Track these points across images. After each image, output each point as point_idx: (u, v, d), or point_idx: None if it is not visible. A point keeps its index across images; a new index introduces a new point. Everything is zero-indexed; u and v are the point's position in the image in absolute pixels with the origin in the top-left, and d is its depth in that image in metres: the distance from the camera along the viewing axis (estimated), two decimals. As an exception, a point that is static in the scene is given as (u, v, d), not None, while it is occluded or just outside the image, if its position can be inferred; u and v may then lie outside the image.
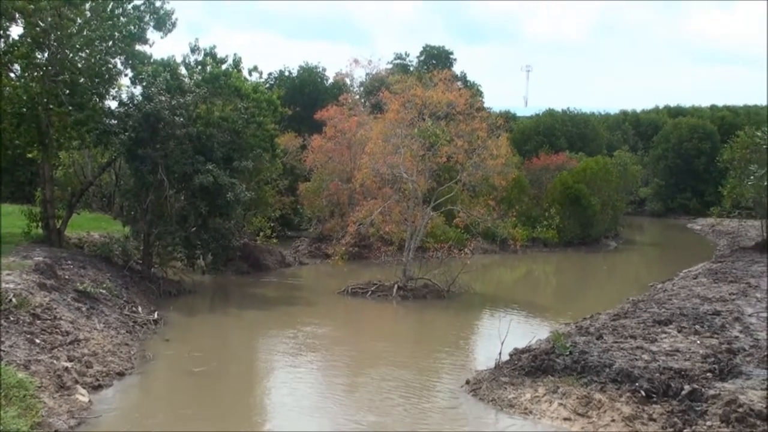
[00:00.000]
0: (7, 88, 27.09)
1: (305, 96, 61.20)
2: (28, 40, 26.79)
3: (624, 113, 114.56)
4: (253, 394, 19.64)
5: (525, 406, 16.89)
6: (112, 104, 30.19)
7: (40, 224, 28.88)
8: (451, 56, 77.16)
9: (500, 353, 19.68)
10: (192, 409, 17.16)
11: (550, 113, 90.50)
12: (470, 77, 75.51)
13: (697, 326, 21.81)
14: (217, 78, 32.02)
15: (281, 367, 21.82)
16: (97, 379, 17.63)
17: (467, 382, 19.08)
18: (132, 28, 28.60)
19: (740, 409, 14.75)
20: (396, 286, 32.00)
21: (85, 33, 27.53)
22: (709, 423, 14.80)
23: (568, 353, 18.76)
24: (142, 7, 28.95)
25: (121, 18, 28.43)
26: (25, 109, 27.26)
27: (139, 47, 29.49)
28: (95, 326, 21.06)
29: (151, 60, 30.76)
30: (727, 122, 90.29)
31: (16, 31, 27.34)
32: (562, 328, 23.76)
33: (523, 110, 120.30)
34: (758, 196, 46.82)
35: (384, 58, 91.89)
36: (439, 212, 35.96)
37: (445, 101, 33.31)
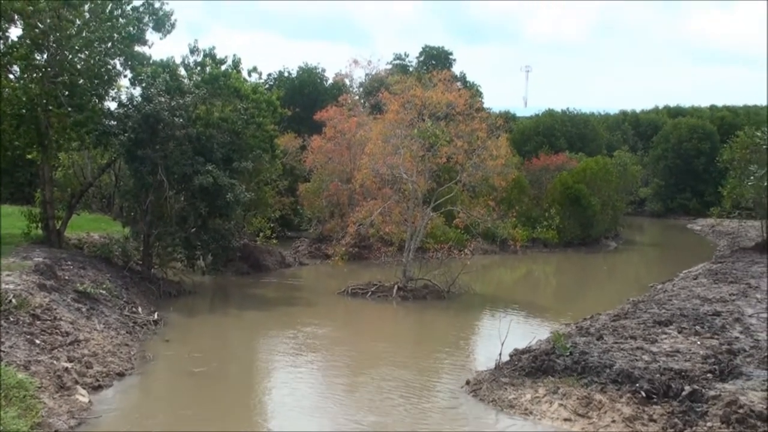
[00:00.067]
0: (7, 90, 27.07)
1: (305, 97, 61.21)
2: (27, 41, 26.79)
3: (624, 113, 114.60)
4: (254, 394, 19.63)
5: (525, 407, 16.88)
6: (112, 105, 30.24)
7: (39, 225, 28.87)
8: (451, 57, 77.21)
9: (500, 354, 19.68)
10: (192, 410, 17.15)
11: (550, 113, 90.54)
12: (470, 78, 75.71)
13: (697, 327, 21.80)
14: (217, 79, 31.99)
15: (281, 368, 21.81)
16: (97, 380, 17.62)
17: (467, 383, 19.07)
18: (131, 29, 28.60)
19: (741, 410, 14.74)
20: (396, 286, 31.99)
21: (84, 34, 27.53)
22: (709, 424, 14.79)
23: (568, 354, 18.75)
24: (141, 8, 28.95)
25: (120, 19, 28.43)
26: (24, 111, 27.26)
27: (138, 48, 29.49)
28: (95, 327, 21.05)
29: (151, 61, 30.75)
30: (727, 122, 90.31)
31: (15, 32, 27.37)
32: (562, 329, 23.75)
33: (522, 111, 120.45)
34: (758, 196, 46.84)
35: (383, 59, 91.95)
36: (439, 213, 35.95)
37: (445, 102, 33.31)
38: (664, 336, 20.89)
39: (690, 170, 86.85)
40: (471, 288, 33.58)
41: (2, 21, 26.33)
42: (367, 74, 68.30)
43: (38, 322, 18.73)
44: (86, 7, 27.69)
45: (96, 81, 28.60)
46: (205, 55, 33.58)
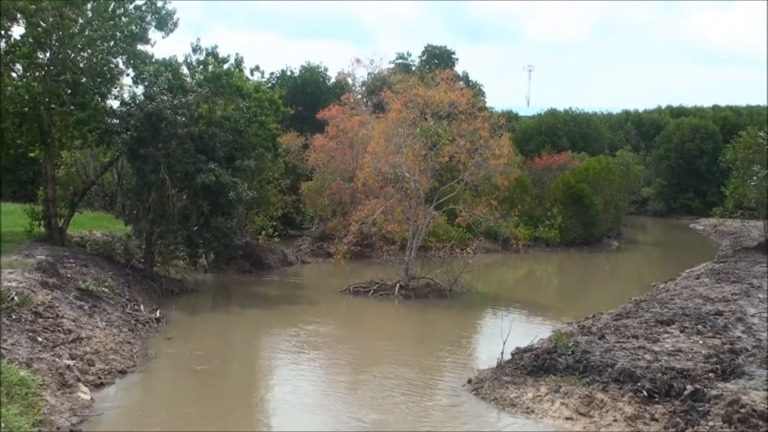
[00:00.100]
0: (9, 88, 27.12)
1: (307, 95, 61.25)
2: (30, 40, 26.83)
3: (626, 113, 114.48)
4: (255, 392, 19.64)
5: (527, 406, 16.88)
6: (114, 104, 30.27)
7: (42, 223, 28.92)
8: (453, 56, 77.31)
9: (502, 352, 19.68)
10: (194, 408, 17.16)
11: (553, 113, 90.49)
12: (472, 77, 75.79)
13: (699, 326, 21.78)
14: (219, 77, 32.02)
15: (283, 366, 21.82)
16: (99, 377, 17.65)
17: (469, 381, 19.07)
18: (134, 27, 28.64)
19: (743, 410, 14.71)
20: (398, 285, 31.99)
21: (86, 33, 27.56)
22: (711, 423, 14.77)
23: (570, 353, 18.74)
24: (143, 7, 29.00)
25: (123, 18, 28.48)
26: (27, 109, 27.29)
27: (140, 47, 29.55)
28: (97, 324, 21.07)
29: (153, 60, 30.78)
30: (730, 122, 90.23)
31: (17, 31, 27.47)
32: (564, 328, 23.74)
33: (525, 110, 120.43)
34: (761, 196, 46.79)
35: (386, 58, 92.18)
36: (442, 211, 35.94)
37: (447, 101, 33.32)
38: (666, 335, 20.87)
39: (693, 170, 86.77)
40: (473, 287, 33.57)
41: (5, 19, 26.38)
42: (369, 73, 68.43)
43: (40, 320, 18.76)
44: (89, 5, 27.76)
45: (99, 79, 28.63)
46: (207, 54, 33.62)
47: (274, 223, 41.42)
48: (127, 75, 30.04)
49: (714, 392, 15.71)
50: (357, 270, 37.49)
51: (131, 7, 28.80)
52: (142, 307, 25.42)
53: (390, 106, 35.17)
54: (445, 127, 32.70)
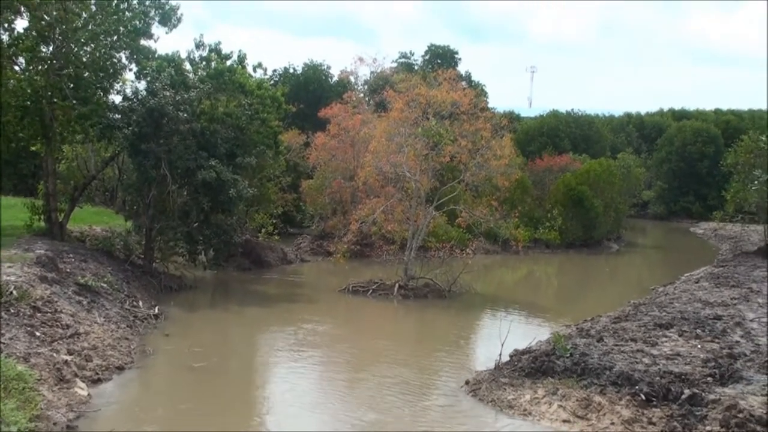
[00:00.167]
0: (12, 81, 27.11)
1: (309, 93, 61.25)
2: (33, 33, 26.81)
3: (628, 115, 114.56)
4: (253, 389, 19.63)
5: (524, 408, 16.86)
6: (116, 99, 30.26)
7: (42, 217, 28.91)
8: (456, 56, 77.25)
9: (500, 354, 19.66)
10: (191, 404, 17.16)
11: (554, 114, 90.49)
12: (475, 77, 75.78)
13: (698, 330, 21.77)
14: (222, 74, 31.96)
15: (282, 364, 21.81)
16: (97, 373, 17.63)
17: (467, 383, 19.06)
18: (137, 22, 28.63)
19: (740, 415, 14.71)
20: (397, 285, 31.98)
21: (90, 27, 27.55)
22: (708, 428, 14.77)
23: (568, 355, 18.73)
24: (147, 2, 28.96)
25: (126, 13, 28.45)
26: (29, 103, 27.27)
27: (143, 42, 29.55)
28: (96, 320, 21.07)
29: (156, 55, 30.75)
30: (732, 126, 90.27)
31: (21, 24, 27.43)
32: (562, 330, 23.73)
33: (527, 111, 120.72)
34: (761, 200, 46.79)
35: (389, 57, 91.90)
36: (442, 212, 35.93)
37: (450, 101, 33.30)
38: (664, 339, 20.86)
39: (693, 173, 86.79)
40: (472, 287, 33.56)
41: (8, 13, 26.36)
42: (372, 72, 68.40)
43: (39, 315, 18.74)
44: (92, 0, 27.71)
45: (101, 74, 28.60)
46: (210, 50, 33.55)
47: (274, 221, 41.41)
48: (130, 70, 30.07)
49: (712, 397, 15.70)
50: (356, 269, 37.50)
51: (135, 2, 28.79)
52: (140, 303, 25.40)
53: (392, 105, 35.13)
54: (447, 127, 32.68)
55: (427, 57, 76.80)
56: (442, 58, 75.05)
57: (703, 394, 15.87)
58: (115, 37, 28.40)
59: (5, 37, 27.04)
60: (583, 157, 67.12)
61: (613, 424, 15.60)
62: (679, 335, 21.27)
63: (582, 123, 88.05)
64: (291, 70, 65.58)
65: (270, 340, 25.02)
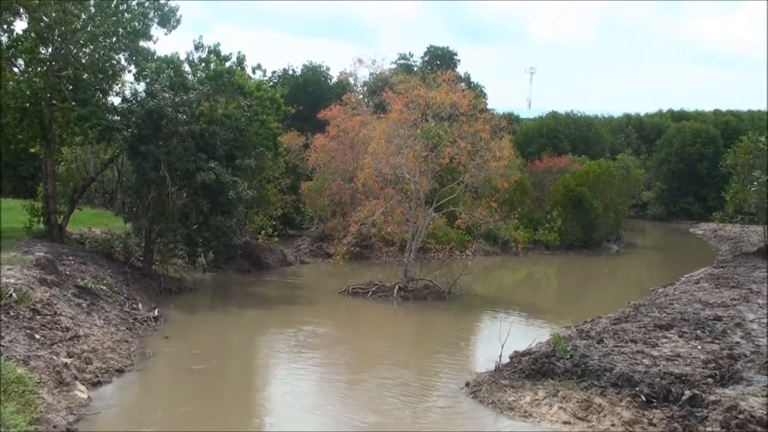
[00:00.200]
0: (11, 83, 27.09)
1: (309, 95, 61.24)
2: (32, 35, 26.81)
3: (627, 116, 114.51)
4: (253, 392, 19.61)
5: (525, 409, 16.85)
6: (116, 100, 30.25)
7: (41, 219, 28.88)
8: (455, 57, 77.26)
9: (500, 355, 19.65)
10: (191, 407, 17.14)
11: (554, 116, 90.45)
12: (474, 78, 75.75)
13: (698, 331, 21.76)
14: (221, 75, 31.96)
15: (281, 366, 21.79)
16: (97, 376, 17.61)
17: (467, 384, 19.03)
18: (136, 24, 28.62)
19: (741, 416, 14.70)
20: (397, 286, 31.95)
21: (89, 29, 27.54)
22: (709, 429, 14.77)
23: (568, 357, 18.72)
24: (146, 4, 28.95)
25: (126, 14, 28.45)
26: (28, 104, 27.25)
27: (143, 44, 29.54)
28: (95, 322, 21.04)
29: (155, 57, 30.75)
30: (731, 127, 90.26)
31: (20, 25, 27.43)
32: (562, 331, 23.73)
33: (526, 112, 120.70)
34: (761, 201, 46.79)
35: (388, 58, 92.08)
36: (441, 213, 35.91)
37: (449, 102, 33.29)
38: (664, 340, 20.85)
39: (693, 174, 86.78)
40: (472, 289, 33.53)
41: (7, 14, 26.35)
42: (371, 73, 68.41)
43: (38, 317, 18.72)
44: (92, 1, 27.77)
45: (100, 76, 28.59)
46: (209, 52, 33.55)
47: (273, 223, 41.39)
48: (129, 72, 30.06)
49: (712, 398, 15.70)
50: (356, 271, 37.47)
51: (134, 3, 28.78)
52: (140, 305, 25.37)
53: (391, 106, 35.14)
54: (446, 129, 32.65)
55: (426, 58, 76.82)
56: (441, 59, 75.06)
57: (704, 395, 15.87)
58: (114, 39, 28.39)
59: (4, 39, 27.07)
60: (583, 159, 67.10)
61: (613, 425, 15.59)
62: (680, 336, 21.26)
63: (581, 124, 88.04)
64: (290, 72, 65.59)
65: (270, 342, 25.00)
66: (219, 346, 23.59)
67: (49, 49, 27.44)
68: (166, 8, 29.29)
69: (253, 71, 37.38)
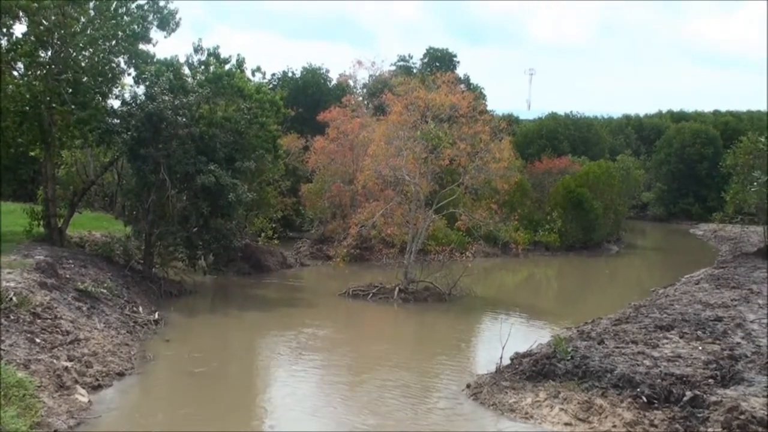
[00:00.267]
0: (10, 87, 27.09)
1: (308, 97, 61.24)
2: (32, 38, 26.81)
3: (627, 117, 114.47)
4: (254, 394, 19.59)
5: (526, 411, 16.83)
6: (115, 103, 30.20)
7: (41, 223, 28.87)
8: (455, 59, 77.25)
9: (501, 357, 19.64)
10: (192, 410, 17.13)
11: (553, 117, 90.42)
12: (473, 80, 75.70)
13: (699, 332, 21.75)
14: (220, 78, 31.97)
15: (282, 368, 21.79)
16: (97, 379, 17.60)
17: (468, 386, 19.02)
18: (135, 27, 28.62)
19: (742, 416, 14.68)
20: (397, 288, 31.94)
21: (88, 32, 27.55)
22: (710, 430, 14.77)
23: (569, 358, 18.71)
24: (145, 7, 28.97)
25: (125, 17, 28.46)
26: (28, 108, 27.26)
27: (142, 46, 29.52)
28: (96, 326, 21.03)
29: (155, 59, 30.73)
30: (731, 127, 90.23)
31: (19, 29, 27.44)
32: (563, 333, 23.71)
33: (526, 113, 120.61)
34: (761, 202, 46.76)
35: (387, 60, 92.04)
36: (441, 215, 35.90)
37: (448, 104, 33.28)
38: (665, 341, 20.84)
39: (693, 175, 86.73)
40: (472, 291, 33.51)
41: (7, 17, 26.36)
42: (370, 75, 68.42)
43: (39, 321, 18.71)
44: (91, 4, 27.75)
45: (100, 79, 28.60)
46: (209, 54, 33.57)
47: (273, 225, 41.40)
48: (129, 75, 30.06)
49: (713, 398, 15.69)
50: (356, 273, 37.45)
51: (133, 6, 28.79)
52: (140, 308, 25.36)
53: (391, 108, 35.12)
54: (446, 130, 32.66)
55: (425, 60, 76.80)
56: (440, 61, 75.06)
57: (705, 395, 15.86)
58: (114, 42, 28.41)
59: (4, 42, 27.09)
60: (582, 160, 67.06)
61: (614, 426, 15.58)
62: (680, 337, 21.25)
63: (581, 125, 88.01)
64: (290, 74, 65.60)
65: (270, 345, 24.98)
66: (219, 348, 23.59)
67: (49, 53, 27.45)
68: (166, 11, 29.30)
69: (253, 74, 37.42)
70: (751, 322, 23.62)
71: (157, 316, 25.24)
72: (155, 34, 29.61)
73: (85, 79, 28.16)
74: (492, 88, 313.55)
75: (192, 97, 29.78)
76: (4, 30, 26.84)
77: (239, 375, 21.10)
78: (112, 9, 28.11)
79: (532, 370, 18.49)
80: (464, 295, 32.87)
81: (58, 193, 29.58)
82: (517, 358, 19.88)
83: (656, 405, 15.92)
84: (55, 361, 16.91)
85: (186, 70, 32.71)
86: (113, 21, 27.94)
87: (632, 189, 68.17)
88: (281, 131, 43.22)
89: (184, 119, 28.90)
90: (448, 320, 29.62)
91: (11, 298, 18.79)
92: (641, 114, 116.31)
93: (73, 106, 27.33)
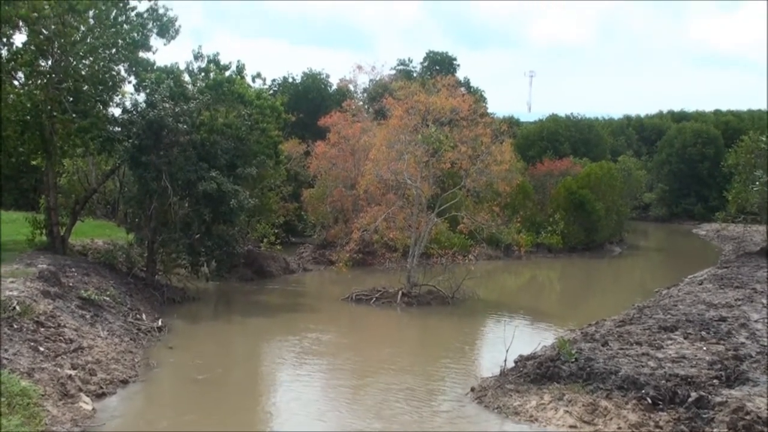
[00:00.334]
0: (11, 96, 27.14)
1: (309, 102, 61.26)
2: (32, 47, 26.85)
3: (628, 118, 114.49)
4: (258, 400, 19.58)
5: (530, 414, 16.81)
6: (116, 111, 30.26)
7: (44, 231, 28.88)
8: (455, 62, 77.21)
9: (505, 360, 19.62)
10: (196, 416, 17.12)
11: (554, 119, 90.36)
12: (474, 83, 75.58)
13: (703, 332, 21.71)
14: (221, 85, 32.00)
15: (286, 374, 21.77)
16: (101, 387, 17.59)
17: (472, 389, 19.00)
18: (135, 35, 28.66)
19: (747, 417, 14.65)
20: (400, 292, 31.93)
21: (88, 40, 27.59)
22: (716, 430, 14.72)
23: (573, 360, 18.68)
24: (145, 15, 28.99)
25: (125, 25, 28.49)
26: (29, 117, 27.29)
27: (142, 54, 29.56)
28: (99, 334, 21.03)
29: (155, 67, 30.76)
30: (731, 127, 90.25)
31: (19, 39, 27.47)
32: (567, 335, 23.65)
33: (526, 116, 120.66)
34: (763, 201, 46.71)
35: (387, 64, 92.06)
36: (443, 218, 35.89)
37: (449, 107, 33.30)
38: (669, 342, 20.80)
39: (694, 175, 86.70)
40: (475, 294, 33.49)
41: (7, 27, 26.41)
42: (371, 80, 68.44)
43: (42, 329, 18.71)
44: (91, 13, 27.75)
45: (100, 87, 28.64)
46: (209, 61, 33.58)
47: (275, 231, 41.37)
48: (129, 82, 30.10)
49: (718, 399, 15.65)
50: (359, 277, 37.42)
51: (133, 14, 28.81)
52: (143, 315, 25.37)
53: (391, 112, 35.15)
54: (447, 134, 32.68)
55: (425, 64, 76.75)
56: (440, 64, 75.01)
57: (710, 396, 15.82)
58: (114, 50, 28.44)
59: (4, 52, 27.13)
60: (584, 161, 66.99)
61: (620, 428, 15.55)
62: (684, 338, 21.21)
63: (581, 126, 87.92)
64: (290, 80, 65.61)
65: (274, 350, 24.97)
66: (223, 354, 23.58)
67: (49, 62, 27.48)
68: (165, 18, 29.33)
69: (253, 80, 37.41)
70: (755, 321, 23.56)
71: (160, 323, 25.25)
72: (155, 41, 29.67)
73: (85, 87, 28.21)
74: (492, 90, 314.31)
75: (193, 104, 29.83)
76: (5, 40, 26.89)
77: (243, 381, 21.08)
78: (111, 17, 28.14)
79: (537, 373, 18.46)
80: (467, 298, 32.85)
81: (60, 202, 29.62)
82: (521, 360, 19.85)
83: (661, 406, 15.89)
84: (58, 369, 16.90)
85: (186, 77, 32.72)
86: (113, 29, 27.98)
87: (634, 190, 68.19)
88: (282, 137, 43.20)
89: (185, 126, 28.93)
90: (452, 323, 29.59)
91: (14, 307, 18.80)
92: (642, 114, 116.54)
93: (74, 115, 27.39)
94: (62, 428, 14.50)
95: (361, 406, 18.52)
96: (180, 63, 32.88)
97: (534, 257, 49.13)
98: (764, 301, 27.51)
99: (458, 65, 77.10)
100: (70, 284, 23.88)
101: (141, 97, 30.05)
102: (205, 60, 33.59)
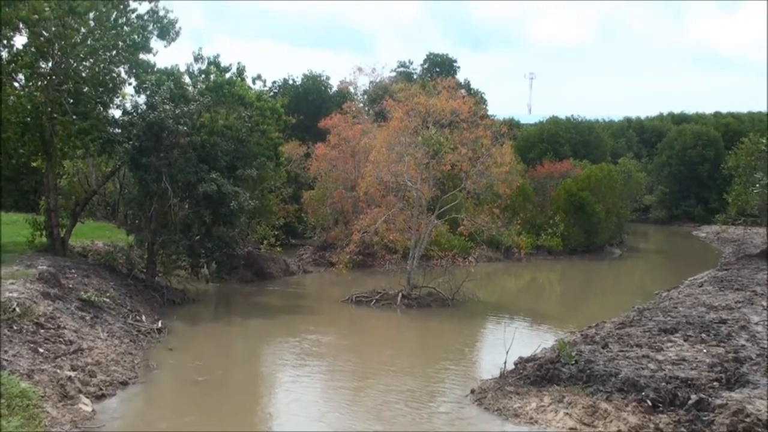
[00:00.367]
0: (12, 98, 27.17)
1: (309, 104, 61.31)
2: (33, 49, 26.88)
3: (628, 120, 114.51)
4: (258, 402, 19.58)
5: (530, 416, 16.80)
6: (116, 113, 30.30)
7: (44, 233, 28.90)
8: (455, 64, 77.37)
9: (505, 362, 19.60)
10: (196, 418, 17.11)
11: (554, 121, 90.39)
12: (474, 85, 75.78)
13: (703, 335, 21.69)
14: (221, 86, 32.02)
15: (286, 375, 21.76)
16: (101, 389, 17.58)
17: (472, 392, 18.99)
18: (136, 37, 28.68)
19: (748, 419, 14.63)
20: (400, 294, 31.92)
21: (89, 42, 27.61)
22: (716, 433, 14.70)
23: (573, 362, 18.66)
24: (145, 17, 29.01)
25: (125, 27, 28.52)
26: (29, 119, 27.33)
27: (142, 56, 29.59)
28: (99, 335, 21.03)
29: (155, 69, 30.79)
30: (731, 129, 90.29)
31: (20, 40, 27.51)
32: (567, 337, 23.65)
33: (526, 118, 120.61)
34: (763, 203, 46.68)
35: (388, 66, 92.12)
36: (444, 220, 35.88)
37: (449, 109, 33.32)
38: (669, 344, 20.77)
39: (694, 177, 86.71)
40: (475, 296, 33.49)
41: (7, 29, 26.43)
42: (371, 82, 68.56)
43: (42, 331, 18.71)
44: (91, 15, 27.78)
45: (101, 89, 28.68)
46: (209, 63, 33.61)
47: (276, 233, 41.38)
48: (129, 84, 30.12)
49: (718, 401, 15.63)
50: (359, 279, 37.42)
51: (133, 16, 28.84)
52: (143, 317, 25.37)
53: (392, 114, 35.15)
54: (447, 136, 32.69)
55: (425, 66, 76.89)
56: (440, 66, 75.13)
57: (710, 399, 15.79)
58: (114, 52, 28.47)
59: (5, 54, 27.18)
60: (584, 163, 66.99)
61: (620, 430, 15.54)
62: (685, 340, 21.19)
63: (582, 128, 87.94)
64: (290, 81, 65.69)
65: (274, 352, 24.97)
66: (223, 356, 23.57)
67: (50, 64, 27.51)
68: (166, 20, 29.35)
69: (253, 81, 37.46)
70: (756, 324, 23.53)
71: (160, 324, 25.25)
72: (155, 43, 29.72)
73: (86, 89, 28.25)
74: (492, 92, 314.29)
75: (193, 106, 29.85)
76: (5, 42, 26.93)
77: (243, 382, 21.07)
78: (112, 19, 28.18)
79: (537, 375, 18.45)
80: (467, 300, 32.85)
81: (60, 203, 29.63)
82: (521, 362, 19.84)
83: (661, 409, 15.88)
84: (58, 370, 16.90)
85: (187, 79, 32.76)
86: (113, 31, 28.02)
87: (634, 192, 68.18)
88: (282, 138, 43.24)
89: (185, 128, 28.95)
90: (452, 325, 29.59)
91: (14, 309, 18.80)
92: (642, 116, 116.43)
93: (74, 117, 27.41)
94: (62, 430, 14.50)
95: (361, 407, 18.51)
96: (180, 65, 33.01)
97: (534, 259, 49.14)
98: (764, 303, 27.47)
99: (458, 67, 77.36)
100: (70, 286, 23.88)
101: (141, 99, 30.09)
102: (206, 62, 33.63)
